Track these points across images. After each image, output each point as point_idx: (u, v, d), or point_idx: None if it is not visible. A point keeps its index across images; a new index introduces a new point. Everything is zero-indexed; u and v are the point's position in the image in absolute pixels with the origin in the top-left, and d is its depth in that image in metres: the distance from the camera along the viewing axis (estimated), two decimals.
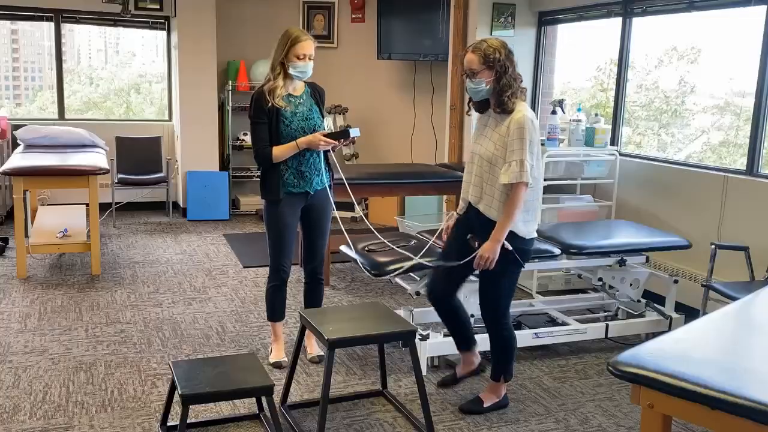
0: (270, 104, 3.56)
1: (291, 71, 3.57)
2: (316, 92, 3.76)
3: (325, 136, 3.55)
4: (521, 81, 3.17)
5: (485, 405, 3.37)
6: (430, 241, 3.77)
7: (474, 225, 3.30)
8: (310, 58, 3.59)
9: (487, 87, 3.13)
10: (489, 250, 3.13)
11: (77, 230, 5.81)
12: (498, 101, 3.14)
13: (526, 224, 3.19)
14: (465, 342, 3.60)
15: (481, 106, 3.27)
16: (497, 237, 3.12)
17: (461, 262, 3.29)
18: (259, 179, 3.74)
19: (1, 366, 3.75)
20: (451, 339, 3.70)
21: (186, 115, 7.56)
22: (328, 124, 3.79)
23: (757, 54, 4.33)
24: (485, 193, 3.21)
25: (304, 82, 3.73)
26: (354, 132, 3.60)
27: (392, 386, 3.65)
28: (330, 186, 3.79)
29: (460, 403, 3.46)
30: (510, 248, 3.13)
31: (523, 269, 3.29)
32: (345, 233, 3.82)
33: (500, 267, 3.18)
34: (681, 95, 5.52)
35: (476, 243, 3.23)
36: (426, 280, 3.87)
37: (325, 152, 3.73)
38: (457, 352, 3.78)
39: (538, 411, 3.44)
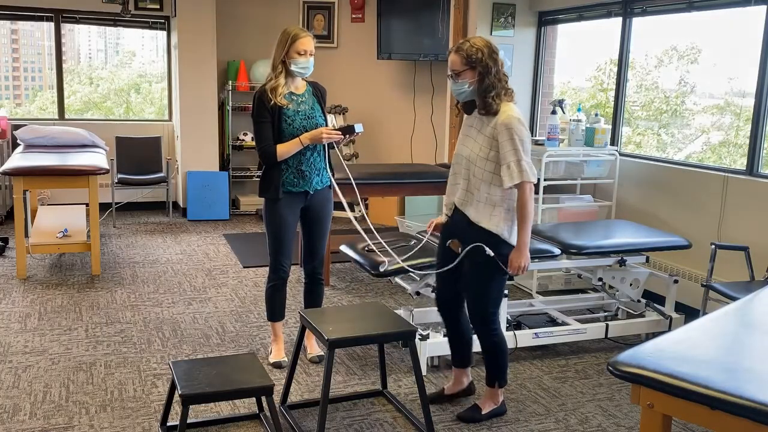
0: (272, 102, 3.56)
1: (293, 68, 3.57)
2: (317, 91, 3.76)
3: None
4: (507, 81, 3.11)
5: (483, 412, 3.33)
6: (424, 238, 3.73)
7: (458, 228, 3.22)
8: (311, 54, 3.59)
9: (470, 88, 3.08)
10: (517, 258, 3.08)
11: (77, 230, 5.81)
12: (482, 103, 3.07)
13: (507, 228, 3.12)
14: (461, 360, 3.52)
15: (468, 107, 3.22)
16: (523, 241, 3.07)
17: (444, 269, 3.25)
18: (259, 179, 3.74)
19: (1, 366, 3.75)
20: None
21: (186, 115, 7.56)
22: (332, 121, 3.78)
23: (757, 54, 4.33)
24: (472, 196, 3.14)
25: (306, 81, 3.73)
26: (357, 127, 3.59)
27: (392, 386, 3.65)
28: (331, 186, 3.79)
29: (458, 403, 3.46)
30: (492, 254, 3.07)
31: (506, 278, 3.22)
32: (357, 224, 3.81)
33: (487, 273, 3.14)
34: (681, 95, 5.52)
35: (459, 248, 3.18)
36: (426, 280, 3.88)
37: (327, 152, 3.73)
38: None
39: (538, 411, 3.44)
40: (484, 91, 3.05)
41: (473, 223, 3.13)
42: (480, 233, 3.11)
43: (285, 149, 3.56)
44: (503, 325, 3.93)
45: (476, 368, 3.86)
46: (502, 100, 3.06)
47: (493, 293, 3.21)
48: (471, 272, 3.19)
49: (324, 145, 3.70)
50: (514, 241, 3.12)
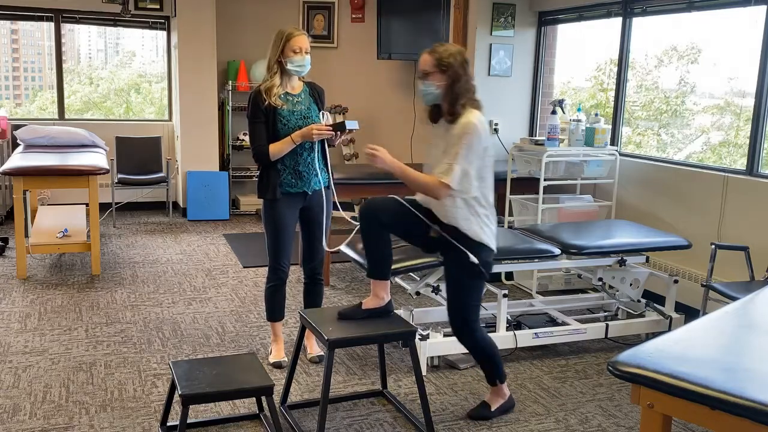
0: (267, 103, 3.56)
1: (289, 66, 3.56)
2: (315, 91, 3.74)
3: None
4: (474, 92, 3.09)
5: (493, 409, 3.34)
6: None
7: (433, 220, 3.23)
8: (306, 52, 3.58)
9: (438, 91, 3.06)
10: (383, 158, 3.10)
11: (77, 230, 5.81)
12: (449, 108, 3.06)
13: (485, 233, 3.11)
14: (381, 272, 3.27)
15: (434, 115, 3.19)
16: (396, 164, 3.11)
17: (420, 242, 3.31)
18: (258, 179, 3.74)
19: (1, 366, 3.75)
20: (451, 339, 3.70)
21: (186, 115, 7.56)
22: (327, 119, 3.74)
23: (757, 54, 4.33)
24: (438, 203, 3.14)
25: (303, 81, 3.72)
26: (351, 124, 3.51)
27: (392, 386, 3.65)
28: (329, 186, 3.78)
29: (458, 403, 3.46)
30: (476, 262, 3.08)
31: (486, 281, 3.24)
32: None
33: (467, 280, 3.15)
34: (681, 95, 5.52)
35: (435, 234, 3.17)
36: (426, 279, 3.87)
37: (323, 152, 3.72)
38: (456, 351, 3.79)
39: (538, 411, 3.44)
40: (453, 98, 3.04)
41: (448, 224, 3.13)
42: (457, 235, 3.10)
43: (277, 148, 3.55)
44: (503, 326, 3.94)
45: (477, 367, 3.87)
46: (466, 109, 3.04)
47: (473, 299, 3.20)
48: (452, 278, 3.20)
49: (320, 145, 3.69)
50: (491, 243, 3.14)
